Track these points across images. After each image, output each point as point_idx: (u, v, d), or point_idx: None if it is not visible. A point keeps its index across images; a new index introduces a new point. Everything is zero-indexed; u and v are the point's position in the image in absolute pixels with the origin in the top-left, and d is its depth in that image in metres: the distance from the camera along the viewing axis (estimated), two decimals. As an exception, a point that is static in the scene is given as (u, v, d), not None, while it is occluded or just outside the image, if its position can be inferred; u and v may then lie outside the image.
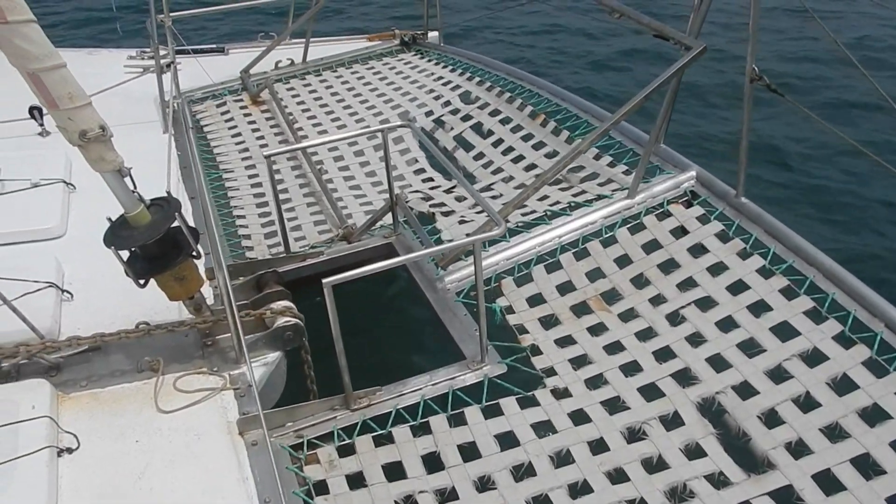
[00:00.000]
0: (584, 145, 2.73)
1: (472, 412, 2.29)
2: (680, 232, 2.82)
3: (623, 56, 8.28)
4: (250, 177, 3.80)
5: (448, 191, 3.63)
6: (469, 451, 2.16)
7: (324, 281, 1.95)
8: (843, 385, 2.15)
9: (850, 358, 2.19)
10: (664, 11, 8.03)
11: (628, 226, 2.92)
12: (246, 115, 4.50)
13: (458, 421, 2.25)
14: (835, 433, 2.05)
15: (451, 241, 3.08)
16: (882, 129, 6.07)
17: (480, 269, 2.25)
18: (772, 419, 2.14)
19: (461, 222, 3.22)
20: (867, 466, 1.96)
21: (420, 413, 2.24)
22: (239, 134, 4.27)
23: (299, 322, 2.42)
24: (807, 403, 2.15)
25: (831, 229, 4.90)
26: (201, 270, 2.33)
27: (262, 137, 4.21)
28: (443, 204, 3.45)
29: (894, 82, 6.58)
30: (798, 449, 2.05)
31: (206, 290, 2.50)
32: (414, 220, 3.09)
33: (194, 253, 2.17)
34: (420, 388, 2.33)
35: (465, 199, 3.45)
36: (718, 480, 2.03)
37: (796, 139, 6.09)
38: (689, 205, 2.91)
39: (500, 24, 9.43)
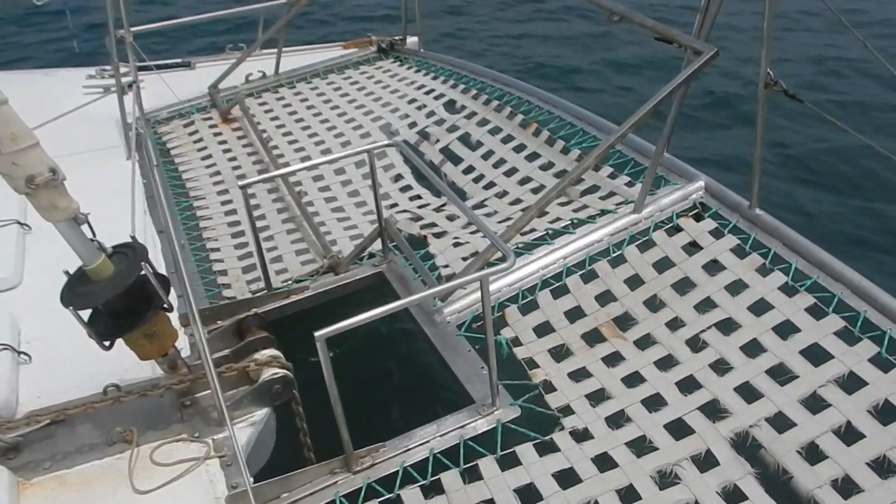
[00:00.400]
0: (590, 161, 2.59)
1: (487, 464, 2.13)
2: (692, 247, 2.69)
3: (621, 63, 8.15)
4: (224, 203, 3.61)
5: (438, 209, 3.47)
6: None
7: (316, 335, 1.78)
8: (887, 412, 2.02)
9: (892, 382, 2.07)
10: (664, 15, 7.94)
11: (637, 243, 2.78)
12: (216, 134, 4.30)
13: (472, 476, 2.09)
14: (883, 468, 1.92)
15: (446, 266, 2.93)
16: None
17: (489, 305, 2.09)
18: (813, 454, 2.01)
19: (456, 244, 3.06)
20: (923, 506, 1.83)
21: (430, 470, 2.08)
22: (209, 156, 4.07)
23: (288, 374, 2.25)
24: (849, 434, 2.02)
25: (857, 244, 4.78)
26: (174, 320, 2.15)
27: (234, 159, 4.01)
28: (434, 224, 3.29)
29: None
30: (846, 487, 1.92)
31: (181, 338, 2.32)
32: (405, 244, 2.93)
33: (165, 305, 2.00)
34: (428, 441, 2.17)
35: (458, 217, 3.29)
36: (763, 528, 1.90)
37: (815, 147, 5.98)
38: (699, 218, 2.78)
39: (483, 28, 9.31)
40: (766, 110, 2.41)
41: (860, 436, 1.99)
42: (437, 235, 3.15)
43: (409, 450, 2.15)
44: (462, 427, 2.22)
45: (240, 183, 2.59)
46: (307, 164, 2.72)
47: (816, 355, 2.21)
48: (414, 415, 2.31)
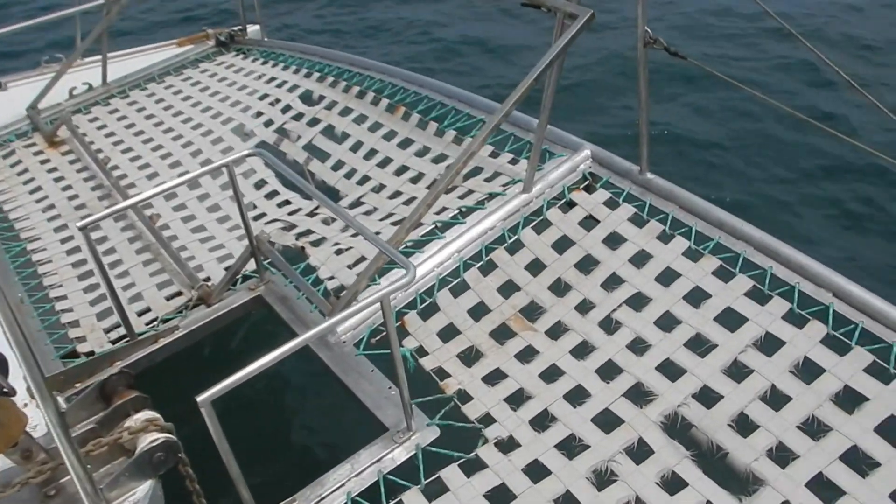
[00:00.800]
0: (477, 144, 2.43)
1: (412, 498, 1.96)
2: (589, 222, 2.60)
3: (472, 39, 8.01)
4: (64, 242, 3.19)
5: (312, 213, 3.22)
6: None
7: (199, 400, 1.53)
8: (808, 370, 2.02)
9: (807, 338, 2.06)
10: None
11: (531, 224, 2.67)
12: (43, 161, 3.81)
13: (398, 515, 1.91)
14: (814, 429, 1.91)
15: (331, 278, 2.71)
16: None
17: (393, 326, 1.90)
18: (744, 425, 1.97)
19: (338, 252, 2.84)
20: (859, 461, 1.83)
21: (351, 521, 1.88)
22: (39, 188, 3.59)
23: (170, 437, 1.96)
24: (776, 399, 1.99)
25: (752, 200, 4.89)
26: (22, 393, 1.82)
27: (69, 188, 3.57)
28: (310, 231, 3.04)
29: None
30: (781, 455, 1.89)
31: (35, 415, 1.98)
32: (281, 261, 2.67)
33: (5, 390, 1.67)
34: (343, 484, 1.97)
35: (336, 219, 3.06)
36: (709, 514, 1.84)
37: (699, 109, 6.07)
38: (591, 189, 2.70)
39: (329, 13, 8.92)
40: (648, 71, 2.34)
41: (786, 398, 1.98)
42: (316, 244, 2.91)
43: (323, 499, 1.94)
44: (378, 461, 2.02)
45: (78, 224, 2.24)
46: (156, 190, 2.38)
47: (731, 320, 2.18)
48: (323, 455, 2.09)
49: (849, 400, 1.93)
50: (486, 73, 7.09)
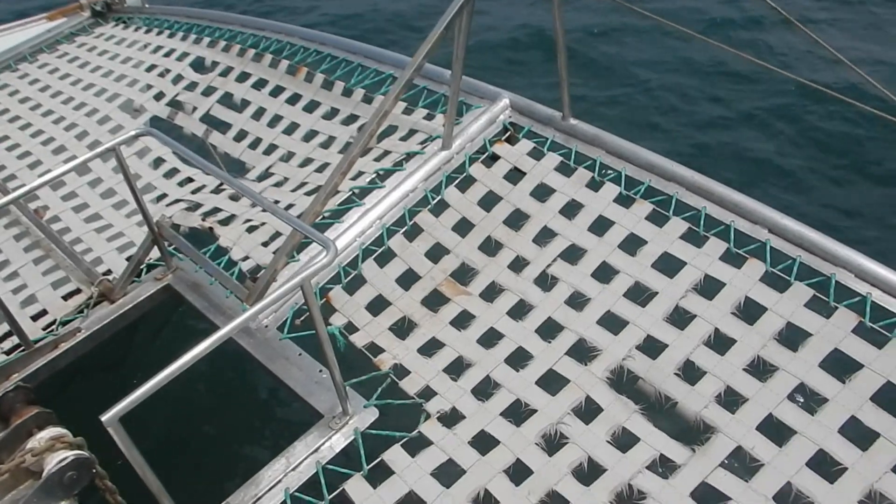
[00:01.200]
0: (388, 102, 2.29)
1: (356, 485, 1.87)
2: (515, 174, 2.52)
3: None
4: (-63, 246, 2.90)
5: (217, 189, 3.03)
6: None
7: (104, 419, 1.38)
8: (750, 311, 2.01)
9: (746, 277, 2.05)
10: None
11: (455, 182, 2.56)
12: None
13: (342, 507, 1.82)
14: (760, 370, 1.91)
15: (245, 258, 2.55)
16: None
17: (317, 308, 1.77)
18: (691, 372, 1.95)
19: (251, 229, 2.68)
20: (807, 398, 1.83)
21: (292, 520, 1.78)
22: None
23: (81, 453, 1.81)
24: (720, 343, 1.98)
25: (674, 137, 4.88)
26: None
27: (-63, 185, 3.24)
28: (217, 209, 2.86)
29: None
30: (731, 399, 1.88)
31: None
32: (187, 246, 2.49)
33: None
34: (279, 480, 1.86)
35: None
36: (664, 467, 1.81)
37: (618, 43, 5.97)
38: (513, 140, 2.61)
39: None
40: (563, 11, 2.25)
41: (731, 341, 1.96)
42: (225, 223, 2.74)
43: (259, 499, 1.82)
44: (316, 451, 1.92)
45: None
46: (41, 180, 2.15)
47: (668, 265, 2.15)
48: (257, 452, 1.97)
49: (792, 337, 1.93)
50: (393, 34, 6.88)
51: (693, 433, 1.85)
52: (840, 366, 1.85)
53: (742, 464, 1.77)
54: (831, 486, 1.68)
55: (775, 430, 1.80)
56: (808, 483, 1.71)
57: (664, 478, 1.79)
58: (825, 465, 1.72)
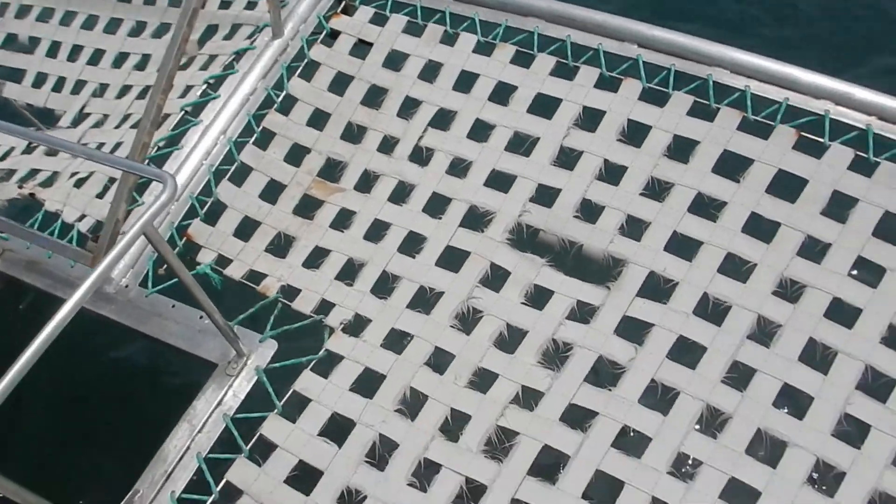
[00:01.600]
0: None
1: (274, 426, 1.76)
2: (362, 47, 2.34)
3: None
4: None
5: (29, 148, 2.69)
6: (307, 477, 1.67)
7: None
8: (634, 132, 1.96)
9: (625, 99, 1.99)
10: None
11: (297, 73, 2.35)
12: None
13: (264, 451, 1.71)
14: (657, 190, 1.89)
15: (82, 217, 2.29)
16: None
17: (172, 254, 1.60)
18: (589, 211, 1.91)
19: (79, 183, 2.40)
20: (705, 206, 1.83)
21: (211, 481, 1.66)
22: None
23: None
24: (612, 173, 1.94)
25: None
26: None
27: None
28: (36, 171, 2.55)
29: None
30: (634, 227, 1.86)
31: None
32: (8, 222, 2.17)
33: None
34: (188, 447, 1.73)
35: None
36: (583, 312, 1.80)
37: None
38: (351, 10, 2.40)
39: None
40: None
41: (622, 168, 1.92)
42: (46, 183, 2.45)
43: (170, 473, 1.69)
44: (220, 404, 1.79)
45: None
46: None
47: (544, 106, 2.06)
48: (156, 426, 1.82)
49: (682, 148, 1.91)
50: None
51: (604, 271, 1.83)
52: (731, 166, 1.85)
53: (656, 287, 1.77)
54: (744, 285, 1.71)
55: (683, 247, 1.80)
56: (723, 289, 1.73)
57: (585, 323, 1.77)
58: (736, 266, 1.75)
